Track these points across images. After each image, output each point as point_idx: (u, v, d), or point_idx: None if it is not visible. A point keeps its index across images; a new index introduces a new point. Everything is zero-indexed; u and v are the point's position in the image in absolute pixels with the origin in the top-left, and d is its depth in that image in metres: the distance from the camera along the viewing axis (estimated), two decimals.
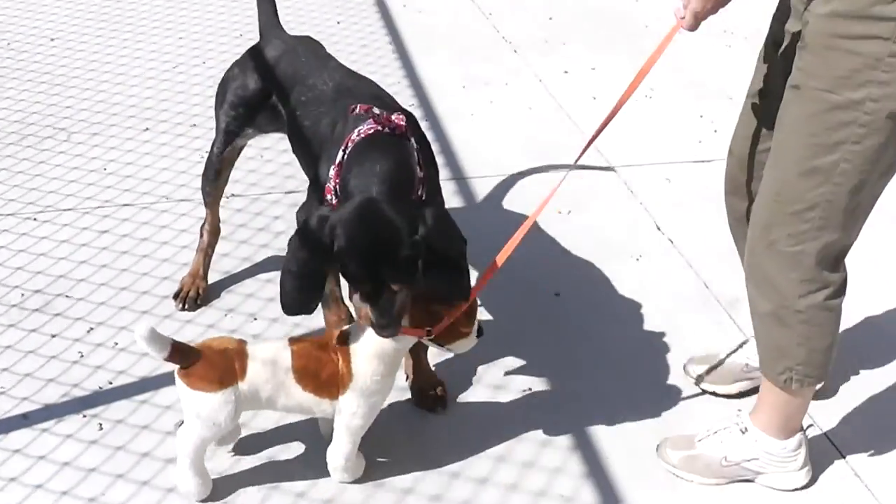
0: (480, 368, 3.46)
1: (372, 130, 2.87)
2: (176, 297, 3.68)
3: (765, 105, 3.03)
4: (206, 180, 3.71)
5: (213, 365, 2.80)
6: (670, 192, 4.54)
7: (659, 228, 4.27)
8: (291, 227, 3.09)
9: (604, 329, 3.69)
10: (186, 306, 3.66)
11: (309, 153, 3.21)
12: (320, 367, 2.87)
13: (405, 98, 5.21)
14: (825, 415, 3.29)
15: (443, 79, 5.50)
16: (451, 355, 3.23)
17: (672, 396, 3.39)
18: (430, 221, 2.75)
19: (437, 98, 5.29)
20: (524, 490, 3.02)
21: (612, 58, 5.80)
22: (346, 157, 2.87)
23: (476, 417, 3.28)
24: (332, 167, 2.90)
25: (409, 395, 3.32)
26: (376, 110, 2.91)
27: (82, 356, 3.43)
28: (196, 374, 2.80)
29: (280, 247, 3.73)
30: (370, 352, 2.86)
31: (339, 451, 2.98)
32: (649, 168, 4.72)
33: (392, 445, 3.14)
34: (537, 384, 3.40)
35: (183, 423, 2.91)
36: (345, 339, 2.89)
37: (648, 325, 3.67)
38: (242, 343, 2.89)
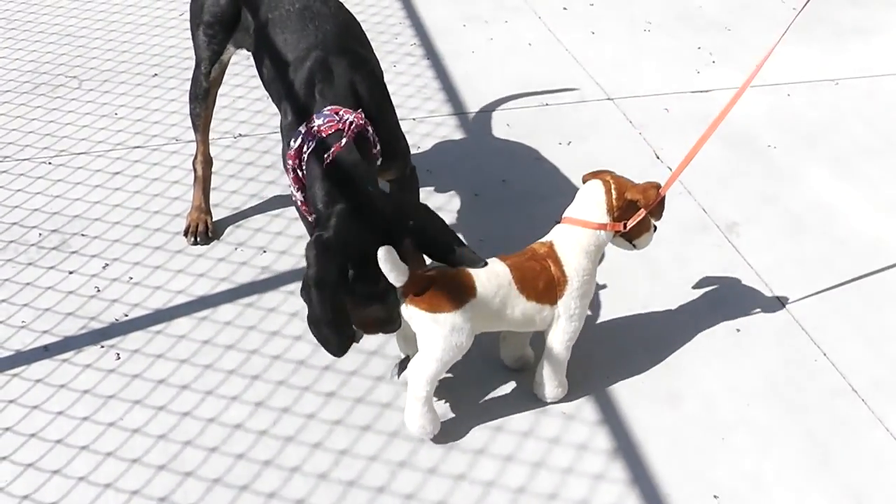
0: None
1: (329, 160, 2.94)
2: (186, 233, 3.80)
3: None
4: (195, 102, 3.79)
5: (446, 286, 2.87)
6: (669, 122, 4.62)
7: (658, 157, 4.36)
8: None
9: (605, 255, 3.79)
10: (199, 240, 3.77)
11: (276, 81, 3.29)
12: (537, 277, 2.99)
13: (406, 38, 5.31)
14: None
15: (444, 18, 5.58)
16: None
17: (668, 320, 3.50)
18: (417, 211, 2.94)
19: (437, 37, 5.37)
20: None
21: None
22: (305, 170, 2.99)
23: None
24: (291, 146, 3.02)
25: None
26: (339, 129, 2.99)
27: (99, 291, 3.56)
28: (432, 298, 2.85)
29: (287, 183, 3.83)
30: (578, 252, 3.02)
31: (556, 363, 3.10)
32: (648, 99, 4.80)
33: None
34: None
35: (400, 366, 3.07)
36: (551, 247, 3.04)
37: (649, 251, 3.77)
38: (463, 269, 2.94)
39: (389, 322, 2.96)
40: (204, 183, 3.85)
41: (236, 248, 3.77)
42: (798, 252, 3.83)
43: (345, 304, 2.86)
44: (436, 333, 2.87)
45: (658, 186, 3.09)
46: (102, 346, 3.33)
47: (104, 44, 5.28)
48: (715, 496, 2.89)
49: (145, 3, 5.74)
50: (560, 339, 3.06)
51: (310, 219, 3.02)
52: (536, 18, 5.56)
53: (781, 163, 4.38)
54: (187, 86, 4.76)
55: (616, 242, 3.13)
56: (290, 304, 3.50)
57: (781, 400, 3.21)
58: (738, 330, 3.46)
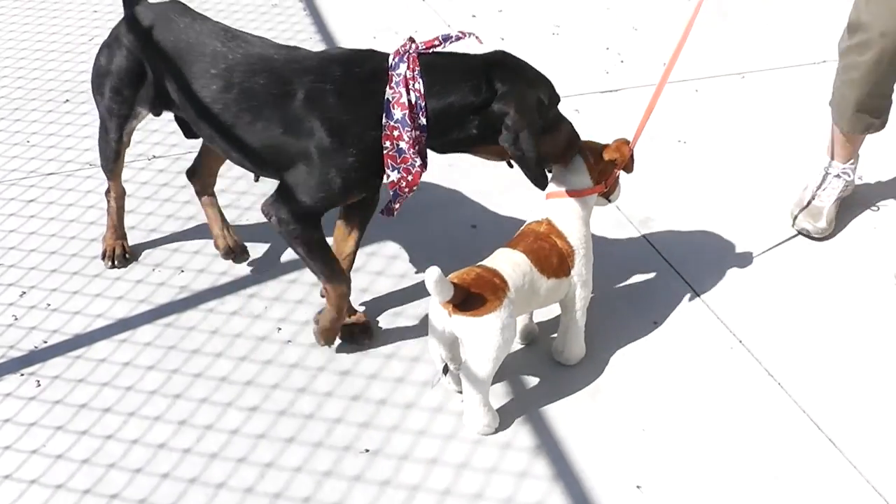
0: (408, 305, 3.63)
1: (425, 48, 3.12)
2: (103, 256, 3.79)
3: None
4: (105, 161, 3.72)
5: (483, 288, 2.98)
6: (580, 123, 4.64)
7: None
8: None
9: None
10: (116, 263, 3.76)
11: (257, 126, 3.16)
12: (549, 255, 3.16)
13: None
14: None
15: (354, 30, 5.60)
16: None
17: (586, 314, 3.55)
18: None
19: None
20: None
21: None
22: (425, 75, 3.05)
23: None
24: (403, 99, 3.03)
25: None
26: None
27: (17, 319, 3.54)
28: (475, 303, 2.95)
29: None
30: (576, 221, 3.21)
31: (579, 328, 3.30)
32: None
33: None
34: None
35: (442, 373, 3.15)
36: (549, 223, 3.20)
37: None
38: (481, 265, 3.08)
39: (578, 138, 3.25)
40: (118, 209, 3.82)
41: (154, 269, 3.77)
42: (711, 244, 3.89)
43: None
44: (486, 335, 2.96)
45: (627, 142, 3.29)
46: (22, 374, 3.32)
47: (14, 72, 5.25)
48: (638, 486, 2.93)
49: (54, 30, 5.71)
50: (577, 305, 3.26)
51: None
52: (446, 27, 5.60)
53: (692, 157, 4.45)
54: None
55: (596, 202, 3.31)
56: (210, 321, 3.51)
57: (699, 389, 3.26)
58: (655, 322, 3.51)
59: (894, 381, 3.29)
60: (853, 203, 4.08)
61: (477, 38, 3.19)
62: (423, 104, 3.04)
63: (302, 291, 3.65)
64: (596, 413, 3.18)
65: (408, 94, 3.03)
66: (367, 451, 3.03)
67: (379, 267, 3.78)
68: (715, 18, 5.65)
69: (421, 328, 3.46)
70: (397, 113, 3.03)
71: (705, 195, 4.17)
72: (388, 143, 3.07)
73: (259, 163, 3.24)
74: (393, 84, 3.04)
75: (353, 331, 3.43)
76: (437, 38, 3.13)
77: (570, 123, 3.25)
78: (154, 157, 4.45)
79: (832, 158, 4.01)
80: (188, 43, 3.29)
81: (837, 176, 3.98)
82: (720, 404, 3.20)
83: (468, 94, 3.06)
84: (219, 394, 3.24)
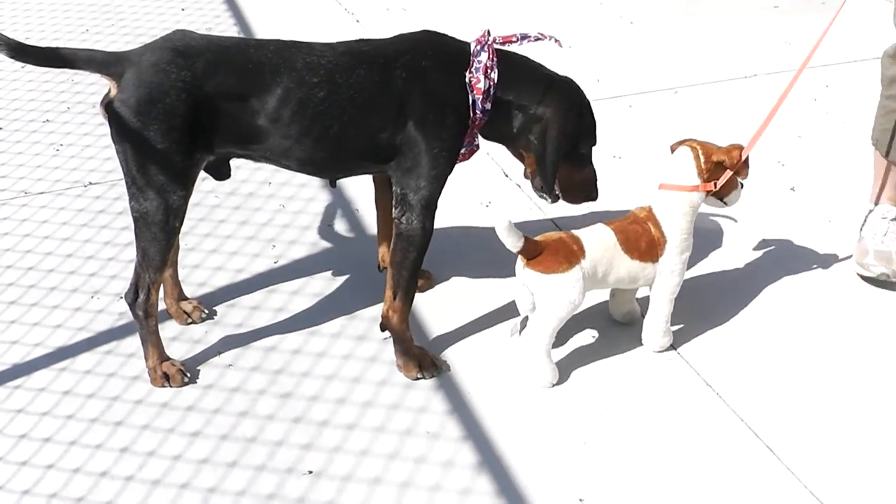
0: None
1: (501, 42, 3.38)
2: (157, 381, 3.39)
3: None
4: (160, 246, 3.26)
5: (558, 250, 3.23)
6: None
7: (507, 175, 4.44)
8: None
9: (447, 271, 3.88)
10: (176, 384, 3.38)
11: (361, 123, 3.25)
12: (639, 238, 3.34)
13: None
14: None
15: (274, 33, 5.56)
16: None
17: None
18: None
19: None
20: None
21: (451, 23, 5.98)
22: (500, 67, 3.31)
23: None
24: (477, 84, 3.27)
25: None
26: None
27: None
28: (546, 261, 3.21)
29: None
30: (674, 213, 3.35)
31: (660, 315, 3.44)
32: None
33: None
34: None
35: (521, 325, 3.33)
36: (650, 211, 3.38)
37: (492, 263, 3.84)
38: (571, 232, 3.31)
39: (596, 184, 3.54)
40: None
41: (92, 297, 3.75)
42: None
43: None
44: (552, 292, 3.21)
45: (741, 148, 3.37)
46: None
47: None
48: (580, 500, 2.95)
49: None
50: (663, 293, 3.41)
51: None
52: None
53: (628, 173, 4.49)
54: (34, 138, 4.76)
55: (708, 202, 3.44)
56: None
57: (639, 399, 3.30)
58: (594, 336, 3.54)
59: (829, 384, 3.35)
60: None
61: (557, 41, 3.48)
62: (493, 92, 3.31)
63: (241, 316, 3.65)
64: (537, 428, 3.20)
65: (486, 80, 3.28)
66: (311, 472, 3.03)
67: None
68: (648, 35, 5.72)
69: (364, 348, 3.48)
70: (473, 95, 3.29)
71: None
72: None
73: (366, 159, 3.34)
74: (473, 69, 3.30)
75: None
76: (514, 35, 3.41)
77: (594, 170, 3.53)
78: (90, 183, 4.43)
79: (886, 202, 3.85)
80: (262, 63, 3.22)
81: (895, 220, 3.82)
82: (661, 415, 3.24)
83: (526, 97, 3.35)
84: (160, 420, 3.23)
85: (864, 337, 3.57)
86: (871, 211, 3.88)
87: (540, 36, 3.44)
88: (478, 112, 3.30)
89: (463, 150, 3.38)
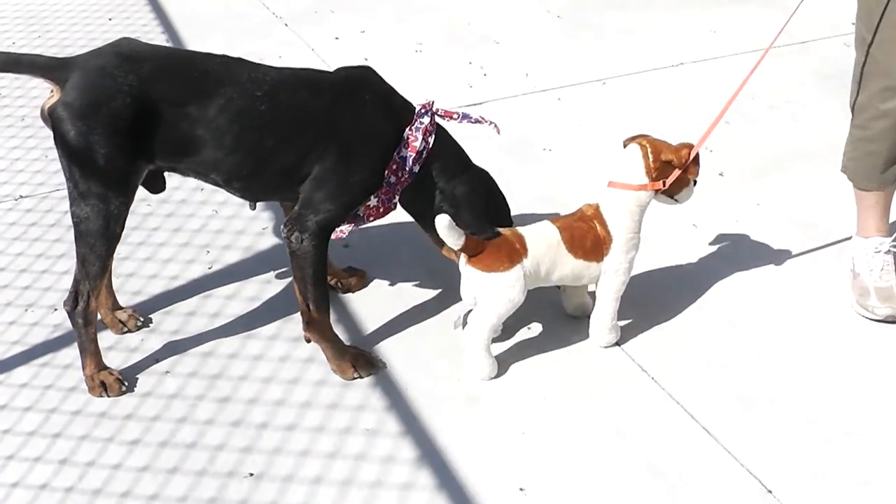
0: None
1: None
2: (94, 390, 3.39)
3: None
4: (97, 257, 3.26)
5: (500, 248, 3.25)
6: None
7: None
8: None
9: (380, 268, 3.89)
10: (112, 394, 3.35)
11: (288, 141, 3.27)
12: (584, 236, 3.34)
13: None
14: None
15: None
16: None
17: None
18: None
19: None
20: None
21: (380, 20, 6.00)
22: (432, 143, 3.38)
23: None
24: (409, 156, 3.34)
25: None
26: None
27: None
28: (487, 259, 3.23)
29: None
30: (621, 212, 3.34)
31: (605, 313, 3.44)
32: None
33: None
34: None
35: (465, 318, 3.33)
36: (597, 209, 3.37)
37: (424, 259, 3.86)
38: (515, 230, 3.33)
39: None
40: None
41: (27, 310, 3.73)
42: None
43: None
44: (492, 291, 3.24)
45: (691, 146, 3.37)
46: None
47: None
48: (521, 489, 2.98)
49: None
50: (608, 291, 3.40)
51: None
52: (310, 50, 5.63)
53: (558, 164, 4.52)
54: None
55: (659, 199, 3.43)
56: None
57: (576, 388, 3.33)
58: (529, 328, 3.57)
59: (771, 372, 3.40)
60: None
61: (496, 127, 3.57)
62: (423, 156, 3.35)
63: (177, 322, 3.65)
64: (475, 420, 3.22)
65: (422, 141, 3.34)
66: (252, 475, 3.04)
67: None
68: (574, 26, 5.77)
69: (301, 350, 3.49)
70: (406, 152, 3.32)
71: (570, 200, 4.23)
72: (387, 173, 3.33)
73: (290, 178, 3.32)
74: (414, 128, 3.35)
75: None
76: (456, 113, 3.49)
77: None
78: (21, 196, 4.40)
79: (875, 234, 3.66)
80: (208, 72, 3.25)
81: (888, 252, 3.65)
82: (597, 402, 3.27)
83: (448, 172, 3.43)
84: (99, 430, 3.21)
85: (803, 321, 3.63)
86: (860, 243, 3.68)
87: (480, 119, 3.52)
88: (405, 172, 3.34)
89: (376, 203, 3.37)
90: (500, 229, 3.31)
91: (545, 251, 3.29)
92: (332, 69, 3.54)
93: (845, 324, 3.59)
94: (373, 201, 3.36)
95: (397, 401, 3.30)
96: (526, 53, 5.54)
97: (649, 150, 3.34)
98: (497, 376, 3.37)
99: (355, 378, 3.36)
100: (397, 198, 3.39)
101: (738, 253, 3.92)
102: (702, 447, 3.10)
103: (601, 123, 4.86)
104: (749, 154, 4.57)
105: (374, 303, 3.72)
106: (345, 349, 3.41)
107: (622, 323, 3.53)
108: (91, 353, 3.35)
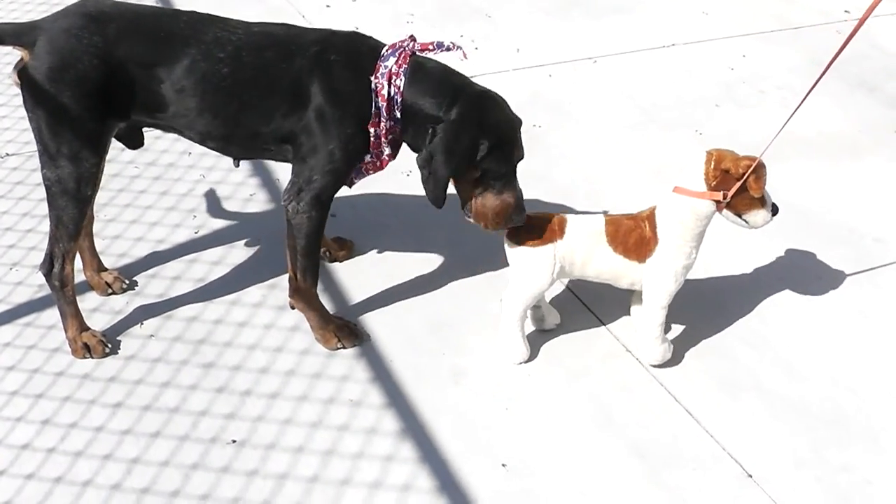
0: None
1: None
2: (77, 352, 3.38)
3: None
4: (72, 216, 3.24)
5: (537, 227, 3.24)
6: None
7: None
8: None
9: (368, 240, 3.88)
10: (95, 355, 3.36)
11: (261, 103, 3.21)
12: (629, 233, 3.24)
13: None
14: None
15: None
16: None
17: (447, 300, 3.59)
18: None
19: None
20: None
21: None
22: (410, 76, 3.19)
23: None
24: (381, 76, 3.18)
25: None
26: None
27: None
28: (522, 235, 3.24)
29: None
30: (672, 217, 3.19)
31: (650, 322, 3.30)
32: None
33: None
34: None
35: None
36: (652, 210, 3.25)
37: (412, 232, 3.86)
38: (562, 215, 3.28)
39: (519, 208, 3.24)
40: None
41: (11, 269, 3.71)
42: None
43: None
44: (519, 266, 3.25)
45: (753, 159, 3.14)
46: None
47: None
48: (503, 465, 2.99)
49: None
50: (649, 297, 3.27)
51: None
52: (301, 17, 5.60)
53: (548, 141, 4.52)
54: None
55: (727, 217, 3.24)
56: None
57: (562, 367, 3.34)
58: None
59: (745, 351, 3.42)
60: None
61: (464, 53, 3.33)
62: (399, 99, 3.19)
63: (163, 286, 3.64)
64: (460, 395, 3.23)
65: (389, 87, 3.18)
66: (234, 441, 3.04)
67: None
68: (566, 4, 5.75)
69: (286, 318, 3.48)
70: (378, 102, 3.19)
71: (561, 177, 4.25)
72: (371, 130, 3.22)
73: (265, 142, 3.28)
74: (378, 75, 3.20)
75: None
76: (432, 43, 3.30)
77: (514, 194, 3.24)
78: (7, 154, 4.38)
79: None
80: (174, 33, 3.21)
81: None
82: (584, 382, 3.28)
83: (432, 107, 3.19)
84: (82, 391, 3.21)
85: (790, 307, 3.65)
86: None
87: (450, 46, 3.31)
88: (383, 120, 3.21)
89: (369, 158, 3.30)
90: (550, 216, 3.27)
91: (584, 239, 3.23)
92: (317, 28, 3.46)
93: (832, 311, 3.61)
94: (366, 157, 3.31)
95: (382, 373, 3.30)
96: (518, 28, 5.53)
97: (714, 157, 3.13)
98: (481, 352, 3.37)
99: (338, 348, 3.36)
100: (388, 149, 3.29)
101: (725, 237, 3.91)
102: (685, 430, 3.12)
103: (592, 101, 4.85)
104: (740, 138, 4.57)
105: (362, 274, 3.72)
106: (329, 319, 3.41)
107: (611, 303, 3.54)
108: (71, 315, 3.34)
